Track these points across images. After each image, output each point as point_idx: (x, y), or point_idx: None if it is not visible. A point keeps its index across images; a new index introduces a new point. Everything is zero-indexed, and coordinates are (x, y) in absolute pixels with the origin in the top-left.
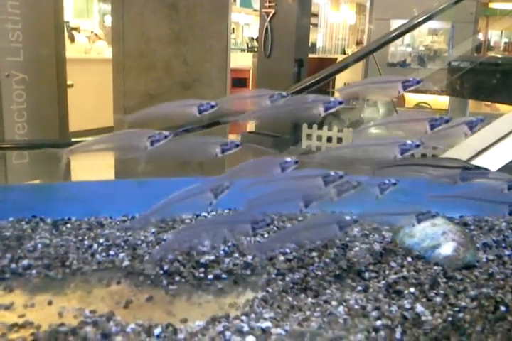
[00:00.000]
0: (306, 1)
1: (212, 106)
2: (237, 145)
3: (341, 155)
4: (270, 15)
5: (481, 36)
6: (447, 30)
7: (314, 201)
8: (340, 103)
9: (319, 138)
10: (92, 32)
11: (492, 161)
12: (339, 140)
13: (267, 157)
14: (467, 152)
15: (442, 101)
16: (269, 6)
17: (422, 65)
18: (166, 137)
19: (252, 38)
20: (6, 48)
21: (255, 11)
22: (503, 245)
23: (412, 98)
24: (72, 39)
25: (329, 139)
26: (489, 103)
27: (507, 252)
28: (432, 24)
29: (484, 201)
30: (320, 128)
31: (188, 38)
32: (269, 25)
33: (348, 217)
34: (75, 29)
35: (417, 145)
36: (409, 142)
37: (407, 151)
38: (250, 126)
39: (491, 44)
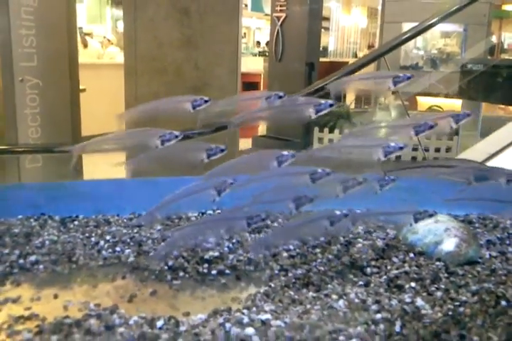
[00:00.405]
0: (317, 4)
1: (206, 101)
2: (222, 150)
3: (329, 155)
4: (281, 19)
5: (494, 38)
6: (460, 32)
7: (306, 203)
8: (331, 105)
9: (331, 141)
10: (104, 37)
11: (505, 164)
12: None
13: (264, 151)
14: (480, 155)
15: (455, 105)
16: (280, 10)
17: (435, 67)
18: (176, 137)
19: (258, 42)
20: (20, 53)
21: (266, 15)
22: (507, 242)
23: (424, 101)
24: (85, 44)
25: None
26: (503, 106)
27: (511, 249)
28: (445, 27)
29: (498, 201)
30: (331, 131)
31: (199, 42)
32: (280, 29)
33: (338, 212)
34: (88, 34)
35: (401, 148)
36: (392, 144)
37: (391, 153)
38: (262, 130)
39: (505, 46)
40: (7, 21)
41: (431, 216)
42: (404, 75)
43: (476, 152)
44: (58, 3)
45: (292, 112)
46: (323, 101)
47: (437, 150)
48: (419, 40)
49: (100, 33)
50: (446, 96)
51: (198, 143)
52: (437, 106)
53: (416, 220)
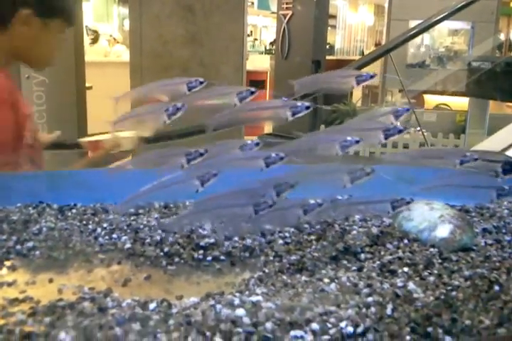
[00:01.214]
0: (324, 2)
1: (201, 83)
2: (202, 154)
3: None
4: (287, 17)
5: (502, 36)
6: (467, 30)
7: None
8: (308, 108)
9: None
10: (111, 36)
11: None
12: None
13: (228, 140)
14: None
15: (462, 103)
16: (287, 8)
17: (442, 65)
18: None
19: (255, 39)
20: None
21: (273, 13)
22: (504, 231)
23: (431, 99)
24: (96, 39)
25: None
26: (511, 104)
27: (507, 237)
28: (452, 24)
29: (472, 187)
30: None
31: (205, 39)
32: (286, 27)
33: (312, 201)
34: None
35: (357, 141)
36: (349, 138)
37: (347, 148)
38: (268, 128)
39: None
40: None
41: (408, 203)
42: (368, 74)
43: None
44: None
45: (268, 115)
46: (299, 103)
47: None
48: (426, 38)
49: (107, 31)
50: (454, 94)
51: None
52: (444, 104)
53: (393, 208)
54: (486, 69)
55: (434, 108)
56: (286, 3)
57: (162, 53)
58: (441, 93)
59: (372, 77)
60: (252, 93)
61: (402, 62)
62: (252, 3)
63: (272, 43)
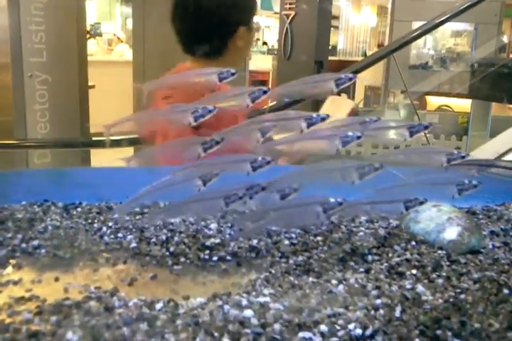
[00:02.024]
0: (327, 2)
1: (233, 74)
2: (218, 143)
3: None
4: (290, 18)
5: (505, 38)
6: (470, 32)
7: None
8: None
9: None
10: (114, 35)
11: None
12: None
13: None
14: (488, 155)
15: (465, 104)
16: (290, 8)
17: (444, 67)
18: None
19: (258, 39)
20: (30, 49)
21: (276, 13)
22: (511, 234)
23: (433, 101)
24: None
25: None
26: None
27: None
28: (455, 26)
29: (431, 185)
30: None
31: None
32: (289, 27)
33: (332, 199)
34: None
35: (359, 137)
36: (350, 134)
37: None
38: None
39: None
40: (17, 17)
41: (421, 203)
42: (346, 76)
43: (484, 152)
44: (68, 0)
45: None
46: (314, 114)
47: None
48: (429, 40)
49: (110, 30)
50: (456, 95)
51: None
52: (447, 105)
53: (407, 208)
54: (489, 71)
55: (436, 110)
56: (289, 4)
57: (165, 52)
58: (444, 95)
59: (351, 79)
60: (265, 92)
61: (405, 64)
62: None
63: (265, 43)
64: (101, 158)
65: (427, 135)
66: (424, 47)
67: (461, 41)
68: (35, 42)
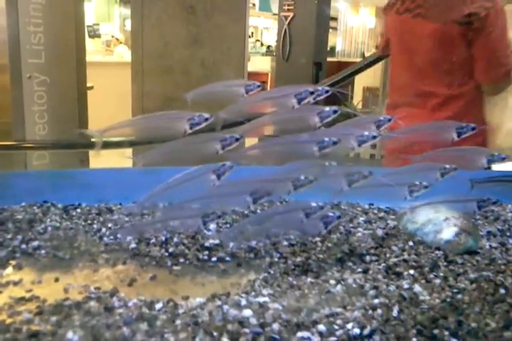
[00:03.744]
0: (325, 4)
1: (258, 86)
2: (237, 140)
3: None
4: (289, 19)
5: None
6: None
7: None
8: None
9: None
10: (113, 36)
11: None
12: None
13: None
14: None
15: None
16: (288, 10)
17: None
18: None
19: (257, 40)
20: (28, 50)
21: (274, 14)
22: (508, 234)
23: None
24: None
25: None
26: None
27: (511, 240)
28: None
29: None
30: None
31: (206, 40)
32: (287, 29)
33: (314, 204)
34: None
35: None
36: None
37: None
38: (268, 130)
39: None
40: (16, 18)
41: (494, 203)
42: (254, 84)
43: None
44: (66, 1)
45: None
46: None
47: None
48: None
49: (108, 31)
50: None
51: (211, 134)
52: None
53: (480, 208)
54: None
55: None
56: (288, 5)
57: (163, 54)
58: None
59: (258, 86)
60: (259, 86)
61: None
62: (254, 4)
63: (262, 44)
64: (100, 160)
65: None
66: None
67: None
68: (33, 43)
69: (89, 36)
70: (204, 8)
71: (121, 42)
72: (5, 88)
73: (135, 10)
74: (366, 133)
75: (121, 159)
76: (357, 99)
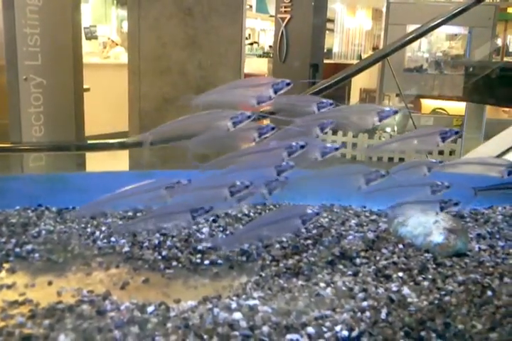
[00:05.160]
0: (322, 6)
1: (288, 84)
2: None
3: None
4: (286, 21)
5: (499, 41)
6: (465, 35)
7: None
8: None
9: (333, 142)
10: (109, 38)
11: None
12: (354, 145)
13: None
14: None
15: (459, 107)
16: (285, 11)
17: (439, 70)
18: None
19: (255, 42)
20: (25, 52)
21: (271, 16)
22: (497, 236)
23: (428, 104)
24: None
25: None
26: (507, 109)
27: (500, 243)
28: (450, 29)
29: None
30: (334, 133)
31: (203, 42)
32: (284, 31)
33: (310, 210)
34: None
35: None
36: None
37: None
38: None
39: (510, 49)
40: (12, 20)
41: (456, 205)
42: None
43: (478, 154)
44: (63, 3)
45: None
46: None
47: (441, 152)
48: (423, 43)
49: (105, 33)
50: (451, 98)
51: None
52: (441, 108)
53: (442, 209)
54: (483, 75)
55: (431, 112)
56: (285, 7)
57: (160, 55)
58: (438, 98)
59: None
60: (288, 84)
61: (400, 67)
62: (251, 6)
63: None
64: (96, 162)
65: None
66: (419, 51)
67: (456, 44)
68: (30, 45)
69: (86, 38)
70: (201, 10)
71: (117, 44)
72: (1, 90)
73: (132, 11)
74: (387, 108)
75: (117, 162)
76: (354, 100)
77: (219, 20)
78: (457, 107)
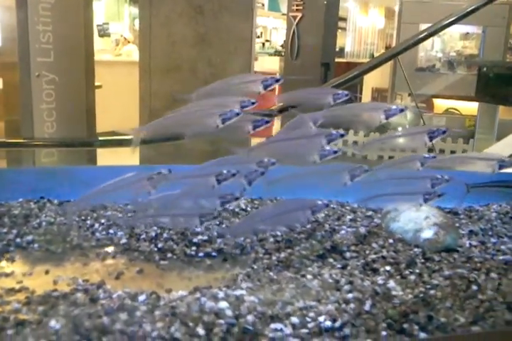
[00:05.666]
0: (334, 4)
1: (277, 81)
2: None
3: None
4: (297, 19)
5: None
6: (478, 34)
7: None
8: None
9: (344, 142)
10: (121, 36)
11: None
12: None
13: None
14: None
15: (473, 107)
16: (297, 10)
17: (452, 69)
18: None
19: (267, 40)
20: (37, 49)
21: (284, 14)
22: (490, 233)
23: (441, 104)
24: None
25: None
26: None
27: (493, 239)
28: (463, 29)
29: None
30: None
31: (213, 40)
32: (296, 29)
33: (319, 202)
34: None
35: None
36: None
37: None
38: (276, 129)
39: None
40: (25, 17)
41: (440, 196)
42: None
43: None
44: (75, 0)
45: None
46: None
47: (453, 152)
48: (437, 42)
49: (118, 30)
50: (463, 98)
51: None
52: (454, 108)
53: (425, 201)
54: (497, 74)
55: (444, 112)
56: (297, 5)
57: (171, 53)
58: (451, 97)
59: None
60: (277, 81)
61: (412, 66)
62: (263, 4)
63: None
64: (107, 158)
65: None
66: (432, 50)
67: (469, 44)
68: (42, 42)
69: (99, 35)
70: (212, 8)
71: (129, 42)
72: (14, 86)
73: (143, 9)
74: (394, 106)
75: (128, 157)
76: (366, 99)
77: (229, 18)
78: (470, 107)
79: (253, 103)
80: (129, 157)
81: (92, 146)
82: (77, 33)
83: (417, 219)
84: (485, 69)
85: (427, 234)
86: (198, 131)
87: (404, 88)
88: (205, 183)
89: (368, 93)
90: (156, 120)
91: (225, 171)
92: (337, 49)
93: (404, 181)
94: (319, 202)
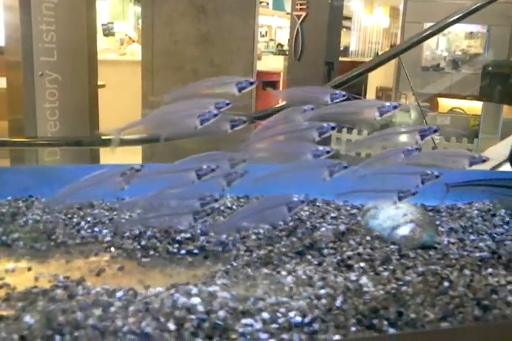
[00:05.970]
0: (339, 4)
1: (251, 83)
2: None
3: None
4: (301, 18)
5: None
6: (483, 34)
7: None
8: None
9: (348, 141)
10: (126, 35)
11: None
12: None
13: None
14: (497, 157)
15: (477, 107)
16: (301, 9)
17: (456, 69)
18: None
19: (271, 39)
20: (41, 48)
21: (288, 13)
22: (470, 230)
23: (445, 103)
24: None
25: None
26: None
27: (472, 237)
28: (468, 28)
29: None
30: (349, 132)
31: (216, 39)
32: (300, 28)
33: (295, 198)
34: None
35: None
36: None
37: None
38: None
39: None
40: (28, 16)
41: (413, 194)
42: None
43: (493, 154)
44: (78, 0)
45: None
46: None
47: None
48: (441, 41)
49: (122, 30)
50: (468, 98)
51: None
52: (459, 107)
53: (400, 198)
54: (501, 74)
55: (448, 112)
56: (301, 4)
57: (173, 52)
58: (456, 97)
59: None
60: (252, 83)
61: (417, 65)
62: (267, 3)
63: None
64: (110, 156)
65: (438, 137)
66: (437, 49)
67: (475, 43)
68: (46, 41)
69: (104, 34)
70: (214, 7)
71: (134, 41)
72: (18, 85)
73: (146, 8)
74: (388, 103)
75: (131, 156)
76: (370, 98)
77: (232, 17)
78: (475, 107)
79: (227, 104)
80: (132, 156)
81: (95, 145)
82: (81, 32)
83: (395, 217)
84: (490, 68)
85: (404, 230)
86: (177, 132)
87: (409, 87)
88: (185, 178)
89: (372, 92)
90: (135, 120)
91: (205, 166)
92: (341, 48)
93: (393, 177)
94: (295, 199)
